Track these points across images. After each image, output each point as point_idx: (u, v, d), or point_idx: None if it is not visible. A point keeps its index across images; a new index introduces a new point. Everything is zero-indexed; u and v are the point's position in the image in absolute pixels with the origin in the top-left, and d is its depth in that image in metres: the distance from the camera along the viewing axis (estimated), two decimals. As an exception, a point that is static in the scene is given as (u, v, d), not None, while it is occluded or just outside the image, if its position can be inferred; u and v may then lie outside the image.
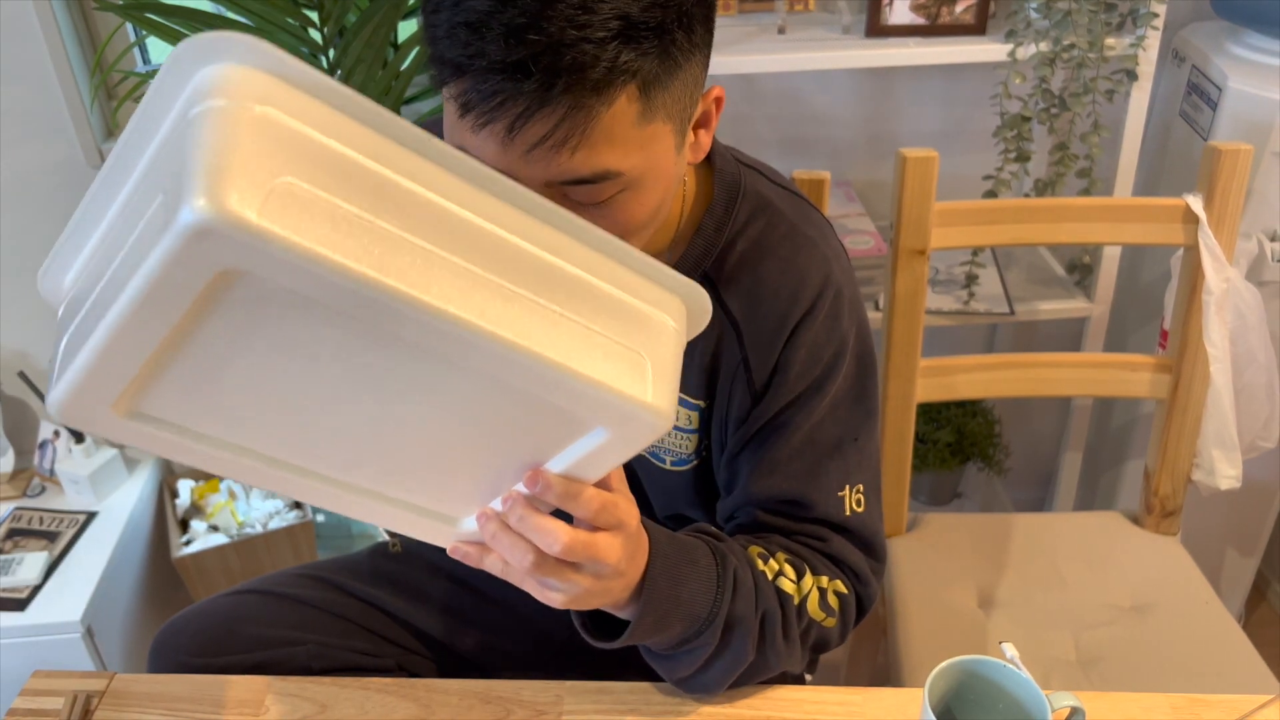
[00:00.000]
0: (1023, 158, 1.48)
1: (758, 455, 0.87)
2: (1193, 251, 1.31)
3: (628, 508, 0.70)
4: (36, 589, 1.67)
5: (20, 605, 1.65)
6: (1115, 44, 1.42)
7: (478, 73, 0.63)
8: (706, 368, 0.87)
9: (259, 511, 1.90)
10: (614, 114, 0.65)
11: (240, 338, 0.53)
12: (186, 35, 1.34)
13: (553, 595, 0.70)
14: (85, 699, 0.89)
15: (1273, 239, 1.49)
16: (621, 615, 0.78)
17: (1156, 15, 1.40)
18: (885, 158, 1.72)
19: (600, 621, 0.81)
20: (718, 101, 0.78)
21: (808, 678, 1.12)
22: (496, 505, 0.68)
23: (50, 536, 1.78)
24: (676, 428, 0.90)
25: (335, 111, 0.53)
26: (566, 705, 0.87)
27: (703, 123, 0.77)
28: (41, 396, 1.81)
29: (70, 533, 1.78)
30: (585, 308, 0.59)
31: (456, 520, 0.70)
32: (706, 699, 0.87)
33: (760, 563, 0.84)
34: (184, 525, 1.90)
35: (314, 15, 1.36)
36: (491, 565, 0.70)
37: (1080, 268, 1.64)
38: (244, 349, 0.54)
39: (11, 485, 1.87)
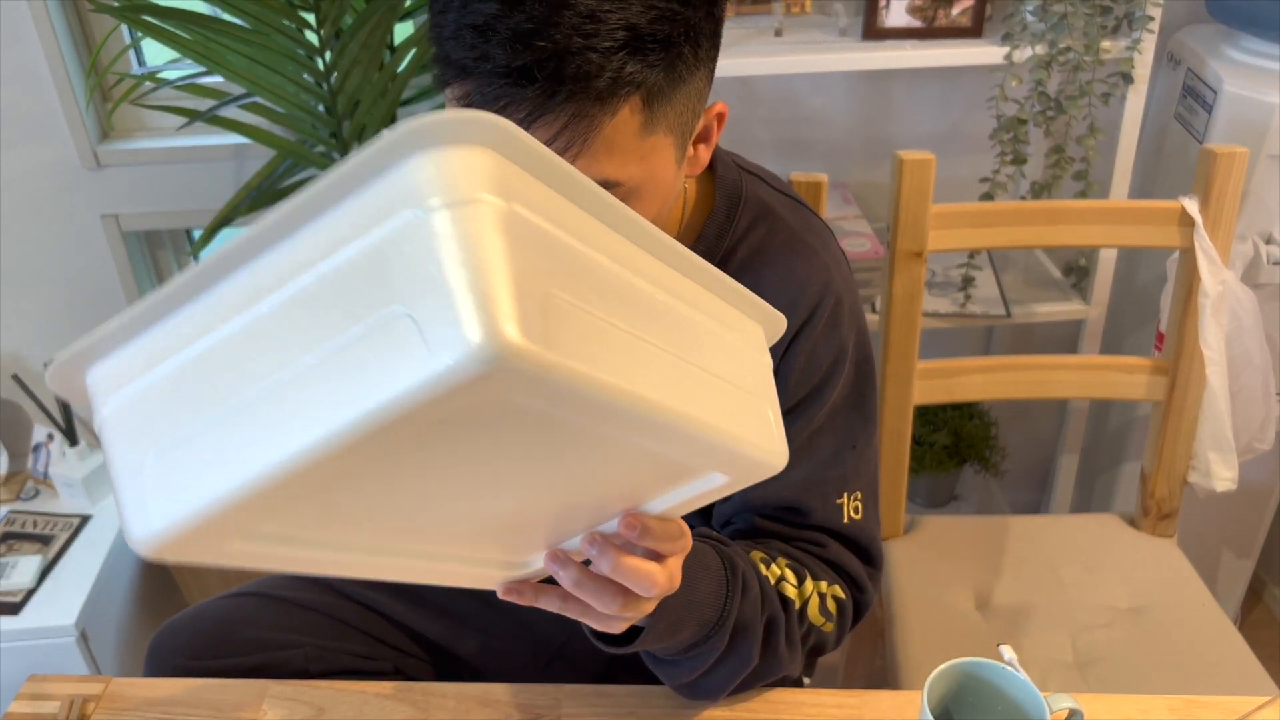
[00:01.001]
0: (1019, 160, 1.48)
1: None
2: (1188, 254, 1.31)
3: (679, 521, 0.67)
4: (30, 593, 1.67)
5: (14, 609, 1.64)
6: (1111, 47, 1.42)
7: (482, 76, 0.63)
8: None
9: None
10: (616, 124, 0.65)
11: (442, 449, 0.46)
12: (182, 36, 1.35)
13: (615, 626, 0.68)
14: (81, 703, 0.89)
15: (1268, 241, 1.49)
16: (636, 621, 0.77)
17: (1152, 19, 1.40)
18: (882, 160, 1.72)
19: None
20: (719, 117, 0.78)
21: (806, 681, 1.12)
22: (575, 544, 0.64)
23: (44, 540, 1.77)
24: None
25: (561, 198, 0.46)
26: (565, 709, 0.87)
27: (704, 137, 0.77)
28: (35, 399, 1.81)
29: (64, 536, 1.78)
30: (719, 361, 0.55)
31: (516, 564, 0.66)
32: (706, 704, 0.86)
33: (763, 568, 0.83)
34: (179, 528, 1.90)
35: (310, 17, 1.36)
36: (547, 603, 0.67)
37: (1076, 270, 1.64)
38: (435, 458, 0.47)
39: (5, 488, 1.86)
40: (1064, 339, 1.78)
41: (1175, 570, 1.40)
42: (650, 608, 0.68)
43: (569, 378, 0.41)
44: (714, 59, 0.73)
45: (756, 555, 0.84)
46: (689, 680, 0.82)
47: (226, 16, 1.34)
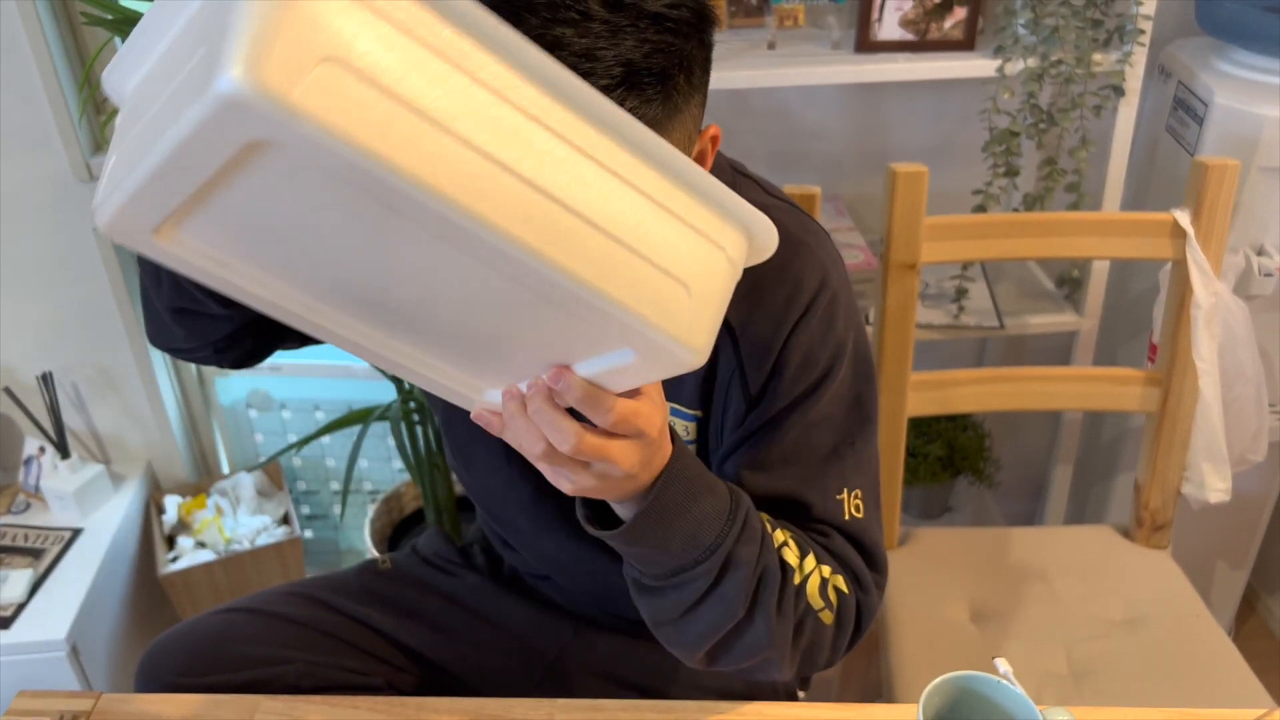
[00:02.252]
0: (1012, 172, 1.49)
1: (749, 454, 0.85)
2: (1180, 266, 1.32)
3: (650, 415, 0.67)
4: (21, 607, 1.66)
5: (4, 623, 1.63)
6: (1102, 60, 1.43)
7: None
8: (703, 377, 0.87)
9: (246, 528, 1.88)
10: None
11: (274, 196, 0.52)
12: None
13: (560, 482, 0.69)
14: (72, 719, 0.88)
15: (1260, 253, 1.50)
16: (624, 514, 0.75)
17: (1143, 32, 1.41)
18: (875, 172, 1.73)
19: (603, 515, 0.77)
20: (714, 139, 0.78)
21: (800, 695, 1.11)
22: (523, 387, 0.66)
23: (35, 553, 1.76)
24: None
25: (439, 17, 0.50)
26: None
27: (699, 160, 0.77)
28: (27, 412, 1.80)
29: (55, 550, 1.77)
30: (634, 231, 0.56)
31: (484, 391, 0.69)
32: (687, 659, 0.82)
33: (768, 526, 0.81)
34: (170, 542, 1.89)
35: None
36: (510, 439, 0.68)
37: (1069, 282, 1.65)
38: (280, 206, 0.53)
39: (-4, 502, 1.85)
40: (1057, 350, 1.78)
41: (1169, 582, 1.40)
42: (591, 480, 0.68)
43: (315, 128, 0.46)
44: (706, 84, 0.73)
45: (764, 517, 0.82)
46: (672, 619, 0.79)
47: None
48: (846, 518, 0.86)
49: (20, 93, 1.60)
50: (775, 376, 0.84)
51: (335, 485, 2.13)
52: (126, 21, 1.31)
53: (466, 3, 0.51)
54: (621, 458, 0.67)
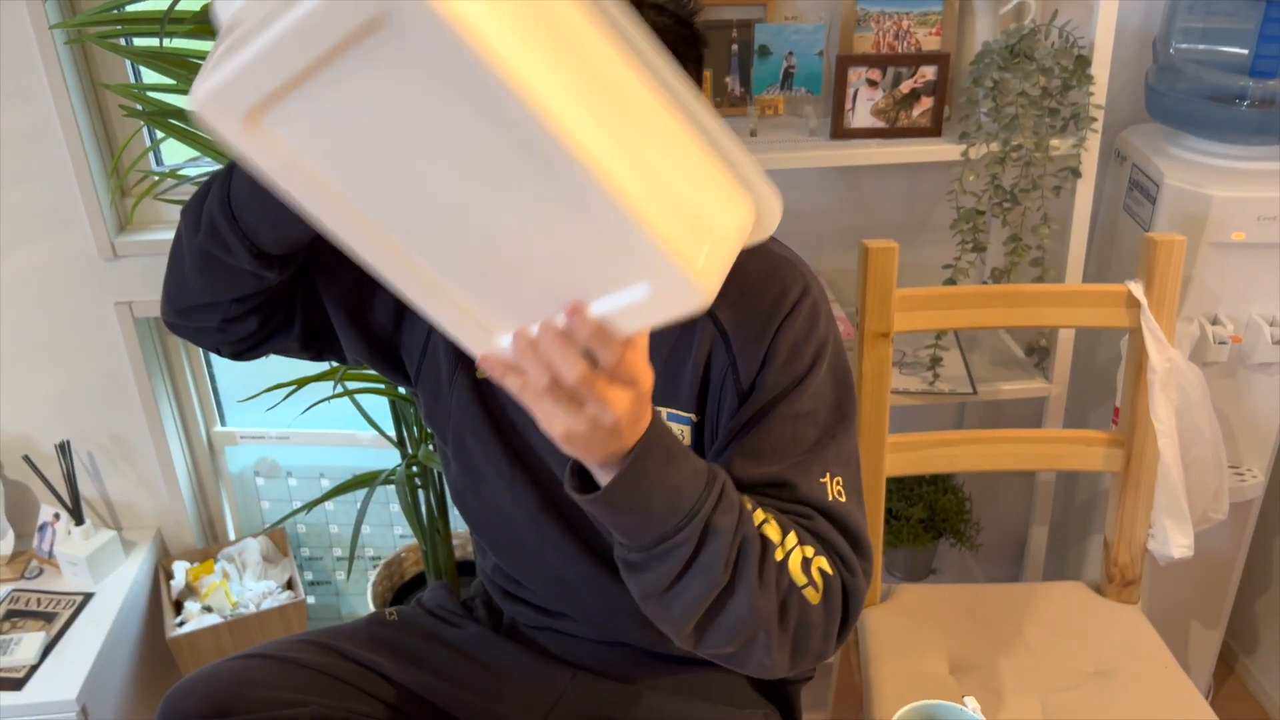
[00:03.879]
0: (979, 248, 1.59)
1: (743, 444, 0.93)
2: (1137, 334, 1.41)
3: (645, 367, 0.73)
4: (33, 669, 1.71)
5: (17, 685, 1.68)
6: (1059, 144, 1.54)
7: None
8: (698, 380, 0.95)
9: (252, 592, 1.94)
10: None
11: (368, 89, 0.58)
12: (203, 137, 1.45)
13: (554, 424, 0.73)
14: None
15: (1214, 323, 1.60)
16: (605, 479, 0.79)
17: (1095, 119, 1.52)
18: (853, 249, 1.82)
19: (588, 481, 0.82)
20: None
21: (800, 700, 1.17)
22: (533, 331, 0.72)
23: (47, 617, 1.81)
24: None
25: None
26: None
27: None
28: (44, 479, 1.87)
29: (67, 614, 1.82)
30: (676, 171, 0.64)
31: (494, 334, 0.74)
32: (676, 637, 0.85)
33: (748, 504, 0.86)
34: (178, 606, 1.94)
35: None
36: (511, 384, 0.73)
37: (1038, 350, 1.74)
38: (368, 102, 0.59)
39: (10, 568, 1.91)
40: (1030, 415, 1.87)
41: (1139, 635, 1.46)
42: (584, 424, 0.73)
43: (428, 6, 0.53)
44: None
45: (745, 498, 0.87)
46: (659, 592, 0.83)
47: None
48: (829, 499, 0.91)
49: (52, 178, 1.70)
50: (764, 369, 0.93)
51: (339, 551, 2.19)
52: (161, 113, 1.42)
53: None
54: (616, 401, 0.72)
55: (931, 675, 1.39)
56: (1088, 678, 1.40)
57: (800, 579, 0.85)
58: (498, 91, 0.56)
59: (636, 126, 0.64)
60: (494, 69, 0.55)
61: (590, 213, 0.61)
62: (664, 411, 0.97)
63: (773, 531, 0.85)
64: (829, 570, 0.87)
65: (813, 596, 0.86)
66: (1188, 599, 1.84)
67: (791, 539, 0.86)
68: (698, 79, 0.82)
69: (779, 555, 0.85)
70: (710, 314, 0.94)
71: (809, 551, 0.87)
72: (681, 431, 0.98)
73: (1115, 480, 1.48)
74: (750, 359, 0.93)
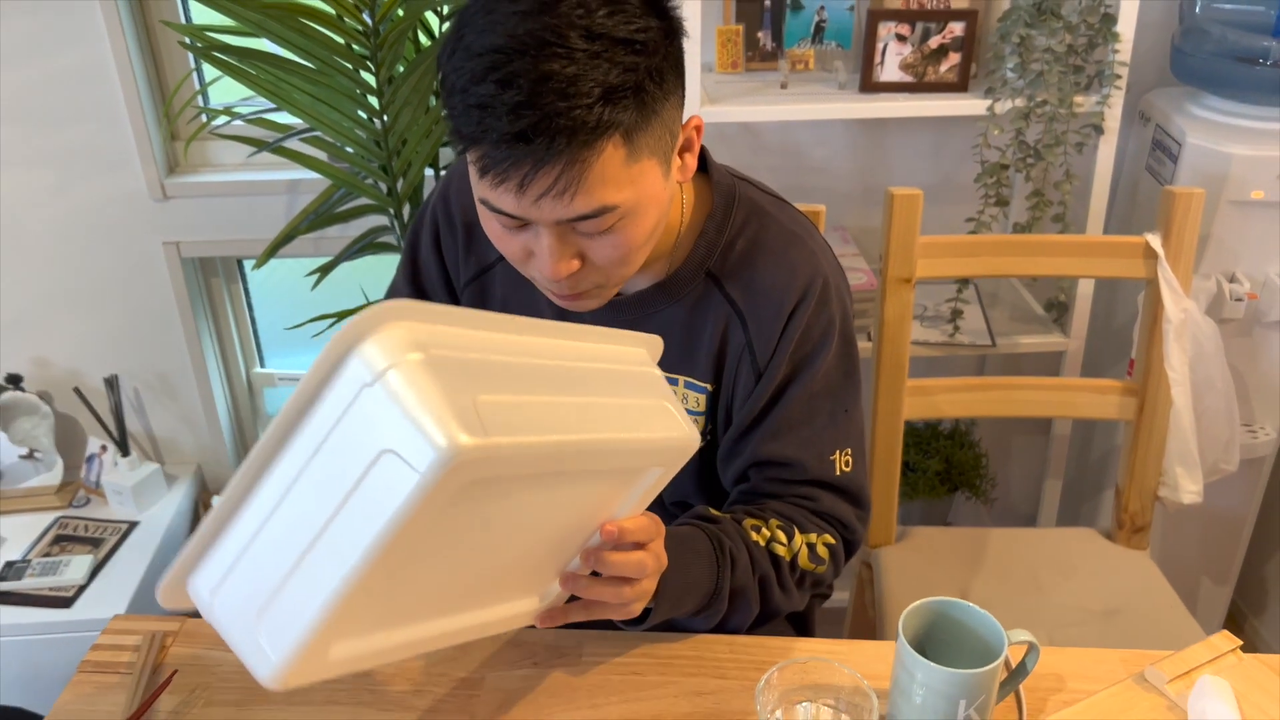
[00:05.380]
0: (1001, 202, 1.63)
1: (763, 424, 1.01)
2: (1153, 285, 1.45)
3: (645, 524, 0.85)
4: (81, 589, 1.79)
5: (67, 603, 1.76)
6: (1083, 101, 1.58)
7: (489, 143, 0.77)
8: (715, 353, 1.01)
9: (288, 527, 2.01)
10: (603, 161, 0.79)
11: (453, 529, 0.64)
12: (255, 75, 1.52)
13: (635, 607, 0.86)
14: (161, 637, 1.01)
15: (1232, 280, 1.63)
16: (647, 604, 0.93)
17: (1119, 76, 1.56)
18: (878, 205, 1.87)
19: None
20: (697, 129, 0.92)
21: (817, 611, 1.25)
22: (574, 565, 0.84)
23: (94, 543, 1.89)
24: (688, 410, 1.04)
25: (463, 328, 0.66)
26: (586, 649, 0.99)
27: (686, 148, 0.91)
28: (92, 410, 1.94)
29: (113, 539, 1.90)
30: (614, 388, 0.76)
31: (542, 596, 0.85)
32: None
33: (753, 534, 0.98)
34: (217, 539, 2.02)
35: (368, 62, 1.53)
36: (577, 616, 0.86)
37: (1057, 306, 1.78)
38: (452, 536, 0.65)
39: (58, 496, 1.99)
40: (1047, 370, 1.91)
41: (1147, 578, 1.51)
42: (652, 586, 0.85)
43: (510, 449, 0.61)
44: (681, 85, 0.86)
45: (749, 523, 0.98)
46: (710, 628, 1.00)
47: (294, 58, 1.51)
48: (837, 474, 1.02)
49: (106, 119, 1.77)
50: (778, 352, 0.99)
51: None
52: (214, 46, 1.49)
53: (480, 313, 0.68)
54: (663, 555, 0.86)
55: (943, 609, 1.45)
56: (1095, 616, 1.44)
57: (809, 565, 1.01)
58: (561, 461, 0.68)
59: (598, 383, 0.75)
60: (557, 453, 0.66)
61: (621, 467, 0.77)
62: (681, 380, 1.04)
63: (780, 544, 0.99)
64: (832, 541, 1.03)
65: (822, 569, 1.02)
66: (1199, 555, 1.88)
67: (798, 539, 1.00)
68: (679, 73, 0.87)
69: (788, 556, 0.99)
70: (723, 293, 1.00)
71: (812, 538, 1.01)
72: (697, 399, 1.04)
73: (1128, 429, 1.53)
74: (766, 341, 0.99)
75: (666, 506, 1.11)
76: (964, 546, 1.57)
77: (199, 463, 2.11)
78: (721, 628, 1.00)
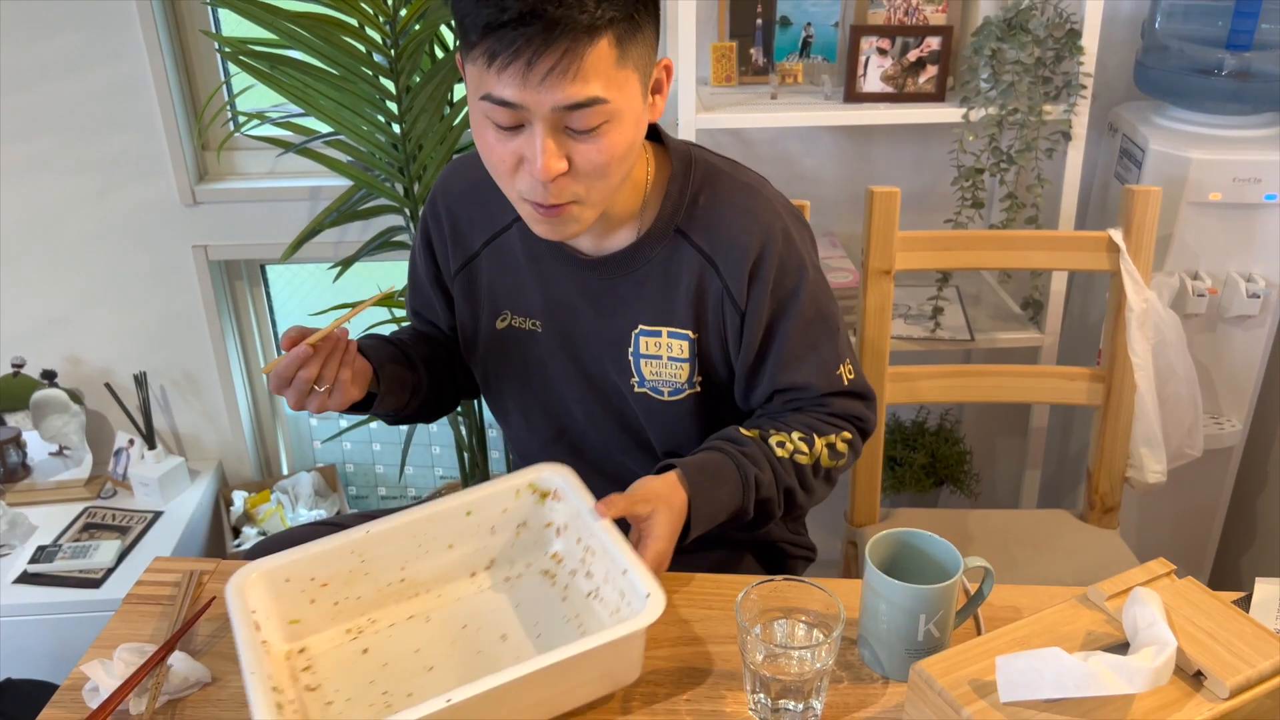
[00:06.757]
0: (977, 204, 1.75)
1: (770, 357, 1.13)
2: (1117, 277, 1.56)
3: (644, 493, 1.02)
4: (109, 571, 1.89)
5: (96, 584, 1.86)
6: (1052, 110, 1.70)
7: (500, 28, 0.88)
8: (693, 301, 1.12)
9: (304, 519, 2.11)
10: (598, 53, 0.90)
11: None
12: (283, 81, 1.64)
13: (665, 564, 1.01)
14: (199, 575, 1.11)
15: (1195, 278, 1.74)
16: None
17: (1084, 86, 1.68)
18: (863, 212, 1.99)
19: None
20: (667, 70, 1.03)
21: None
22: None
23: (121, 530, 1.99)
24: (671, 358, 1.14)
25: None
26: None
27: (657, 89, 1.02)
28: (122, 405, 2.05)
29: (139, 528, 2.00)
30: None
31: None
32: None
33: (778, 449, 1.11)
34: (235, 532, 2.12)
35: (389, 69, 1.65)
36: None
37: (1032, 304, 1.89)
38: None
39: (87, 488, 2.09)
40: (1025, 364, 2.01)
41: (1115, 554, 1.60)
42: (672, 545, 1.01)
43: None
44: (658, 20, 0.98)
45: (774, 439, 1.12)
46: (743, 528, 1.14)
47: (319, 64, 1.64)
48: (846, 383, 1.16)
49: (142, 129, 1.90)
50: (755, 288, 1.10)
51: (383, 490, 2.36)
52: (244, 52, 1.62)
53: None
54: (661, 523, 1.02)
55: (923, 579, 1.54)
56: (1065, 588, 1.53)
57: (830, 463, 1.15)
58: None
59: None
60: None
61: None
62: (664, 330, 1.14)
63: (802, 454, 1.12)
64: (849, 436, 1.17)
65: (842, 461, 1.16)
66: (1171, 548, 1.97)
67: (818, 445, 1.13)
68: (657, 11, 0.99)
69: (809, 461, 1.12)
70: (692, 245, 1.11)
71: (831, 438, 1.15)
72: (681, 347, 1.14)
73: (1097, 413, 1.62)
74: (739, 281, 1.10)
75: (659, 457, 1.21)
76: (945, 526, 1.66)
77: (220, 458, 2.22)
78: (750, 528, 1.14)
